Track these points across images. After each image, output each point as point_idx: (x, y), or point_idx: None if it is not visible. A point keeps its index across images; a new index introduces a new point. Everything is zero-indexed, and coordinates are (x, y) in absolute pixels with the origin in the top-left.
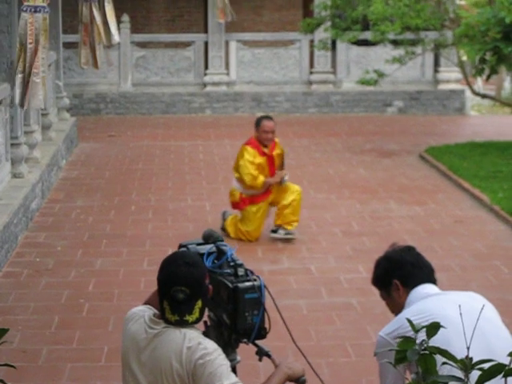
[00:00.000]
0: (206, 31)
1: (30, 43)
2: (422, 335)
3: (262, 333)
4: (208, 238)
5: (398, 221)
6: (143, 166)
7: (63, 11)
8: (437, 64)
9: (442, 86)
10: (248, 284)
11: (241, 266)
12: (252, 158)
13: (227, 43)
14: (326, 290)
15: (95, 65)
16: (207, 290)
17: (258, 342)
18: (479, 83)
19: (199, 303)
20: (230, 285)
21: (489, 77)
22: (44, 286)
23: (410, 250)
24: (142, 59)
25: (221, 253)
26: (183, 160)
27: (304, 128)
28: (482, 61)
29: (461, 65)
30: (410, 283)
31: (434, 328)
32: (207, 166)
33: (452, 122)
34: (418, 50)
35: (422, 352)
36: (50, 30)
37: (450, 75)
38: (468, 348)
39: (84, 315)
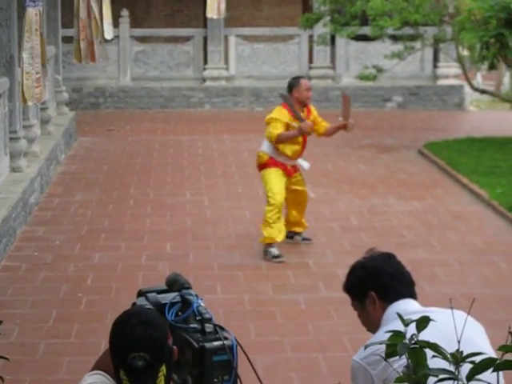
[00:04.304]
0: (205, 26)
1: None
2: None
3: None
4: (172, 285)
5: (396, 216)
6: (142, 160)
7: (62, 6)
8: (436, 59)
9: (441, 82)
10: (217, 344)
11: (209, 320)
12: (280, 116)
13: (226, 38)
14: (324, 285)
15: (92, 58)
16: (171, 353)
17: None
18: (478, 79)
19: (163, 369)
20: (196, 344)
21: (491, 65)
22: (42, 280)
23: (389, 258)
24: (142, 54)
25: (186, 303)
26: (182, 155)
27: None
28: (485, 48)
29: (460, 60)
30: (388, 297)
31: (423, 322)
32: (206, 160)
33: (451, 118)
34: (417, 45)
35: (412, 346)
36: (49, 25)
37: (449, 70)
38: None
39: (82, 309)
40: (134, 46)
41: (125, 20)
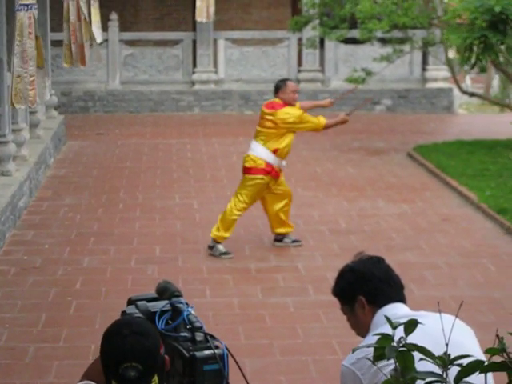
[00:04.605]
0: (194, 29)
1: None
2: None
3: None
4: (162, 293)
5: (385, 219)
6: (131, 164)
7: (51, 10)
8: (425, 62)
9: (430, 85)
10: (208, 353)
11: (199, 329)
12: (301, 110)
13: (215, 41)
14: (313, 288)
15: (82, 62)
16: (164, 362)
17: None
18: (467, 82)
19: (156, 379)
20: (186, 353)
21: (473, 66)
22: (31, 283)
23: (379, 261)
24: (131, 57)
25: (176, 311)
26: (171, 158)
27: None
28: (469, 49)
29: (449, 63)
30: (377, 301)
31: (411, 325)
32: (195, 164)
33: (440, 121)
34: (406, 48)
35: (400, 349)
36: (38, 29)
37: (438, 73)
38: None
39: (71, 313)
40: (123, 49)
41: (114, 24)
